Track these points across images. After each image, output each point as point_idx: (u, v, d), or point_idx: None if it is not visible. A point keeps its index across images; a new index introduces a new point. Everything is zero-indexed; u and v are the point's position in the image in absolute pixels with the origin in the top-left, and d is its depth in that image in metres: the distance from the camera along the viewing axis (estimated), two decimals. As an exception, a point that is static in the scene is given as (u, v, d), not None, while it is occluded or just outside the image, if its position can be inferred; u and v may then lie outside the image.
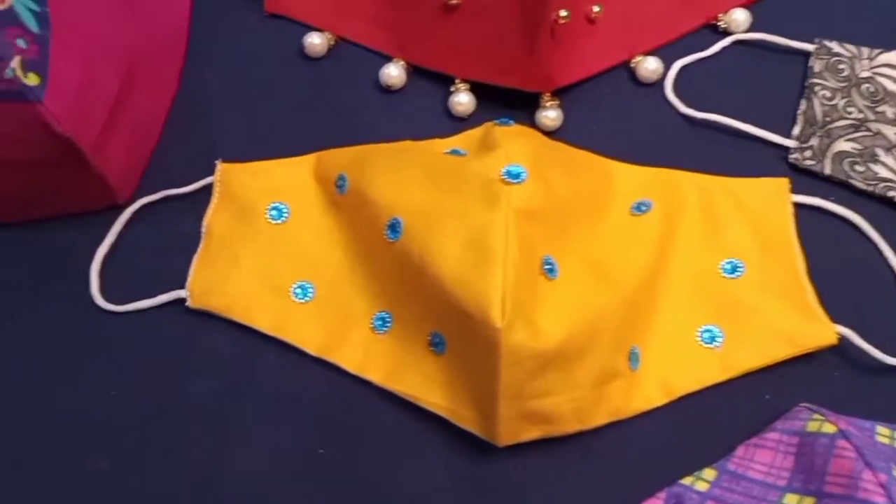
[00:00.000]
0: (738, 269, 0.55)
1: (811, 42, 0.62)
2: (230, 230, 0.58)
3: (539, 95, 0.61)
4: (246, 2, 0.67)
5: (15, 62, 0.48)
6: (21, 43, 0.49)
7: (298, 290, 0.56)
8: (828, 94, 0.60)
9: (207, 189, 0.59)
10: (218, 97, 0.64)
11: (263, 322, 0.55)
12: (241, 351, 0.55)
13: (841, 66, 0.61)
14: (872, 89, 0.60)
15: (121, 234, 0.59)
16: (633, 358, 0.52)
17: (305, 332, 0.55)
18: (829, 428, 0.45)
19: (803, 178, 0.59)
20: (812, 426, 0.46)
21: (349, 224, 0.57)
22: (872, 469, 0.42)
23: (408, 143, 0.59)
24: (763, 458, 0.47)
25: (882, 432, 0.46)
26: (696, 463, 0.49)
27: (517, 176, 0.51)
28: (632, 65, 0.63)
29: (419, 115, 0.63)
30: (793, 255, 0.55)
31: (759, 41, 0.63)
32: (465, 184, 0.51)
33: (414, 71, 0.64)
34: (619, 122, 0.62)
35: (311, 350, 0.55)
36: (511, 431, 0.50)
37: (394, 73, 0.63)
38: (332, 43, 0.65)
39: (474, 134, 0.59)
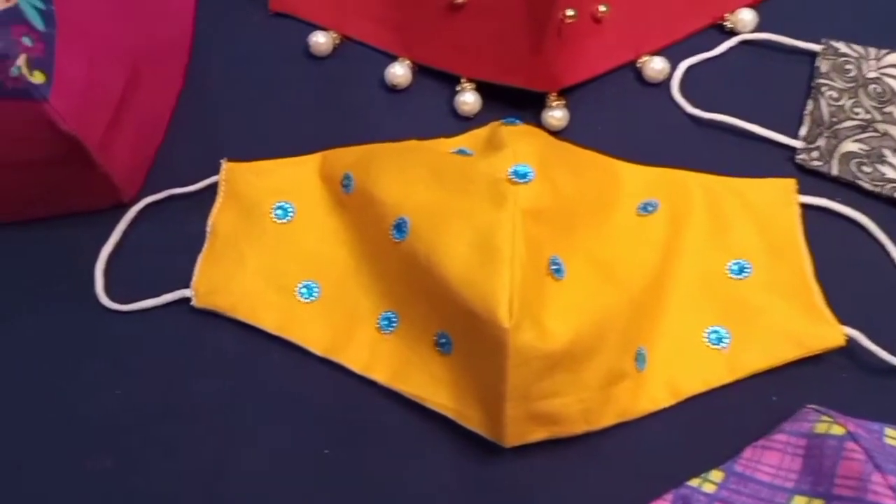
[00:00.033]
0: (745, 270, 0.55)
1: (818, 42, 0.62)
2: (235, 229, 0.58)
3: (545, 95, 0.61)
4: (250, 0, 0.67)
5: (21, 60, 0.48)
6: (27, 41, 0.49)
7: (304, 290, 0.56)
8: (835, 94, 0.60)
9: (212, 188, 0.59)
10: (223, 96, 0.64)
11: (268, 322, 0.55)
12: (245, 351, 0.55)
13: (848, 67, 0.61)
14: (879, 90, 0.60)
15: (125, 233, 0.59)
16: (639, 359, 0.52)
17: (311, 331, 0.55)
18: (837, 430, 0.45)
19: (810, 179, 0.58)
20: (820, 428, 0.46)
21: (355, 224, 0.56)
22: (882, 471, 0.42)
23: (414, 143, 0.59)
24: (771, 460, 0.47)
25: (891, 434, 0.46)
26: (703, 464, 0.49)
27: (524, 176, 0.50)
28: (638, 65, 0.63)
29: (425, 114, 0.62)
30: (800, 257, 0.55)
31: (765, 41, 0.63)
32: (472, 183, 0.51)
33: (419, 70, 0.64)
34: (625, 122, 0.62)
35: (317, 350, 0.54)
36: (518, 432, 0.49)
37: (399, 72, 0.63)
38: (337, 42, 0.65)
39: (480, 133, 0.59)
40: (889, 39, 0.61)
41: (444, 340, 0.52)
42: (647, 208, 0.55)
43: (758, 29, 0.64)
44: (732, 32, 0.64)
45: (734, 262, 0.55)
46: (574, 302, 0.49)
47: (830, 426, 0.46)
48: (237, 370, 0.55)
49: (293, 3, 0.66)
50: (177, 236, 0.58)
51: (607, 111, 0.62)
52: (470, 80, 0.62)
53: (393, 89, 0.63)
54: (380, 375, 0.53)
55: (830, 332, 0.52)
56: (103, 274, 0.57)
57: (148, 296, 0.56)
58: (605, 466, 0.51)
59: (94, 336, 0.56)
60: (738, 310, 0.54)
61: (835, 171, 0.58)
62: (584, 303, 0.50)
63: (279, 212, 0.58)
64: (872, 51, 0.61)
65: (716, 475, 0.48)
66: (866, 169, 0.58)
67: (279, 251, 0.57)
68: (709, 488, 0.48)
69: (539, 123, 0.61)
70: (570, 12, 0.58)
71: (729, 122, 0.60)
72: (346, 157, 0.58)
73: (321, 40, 0.65)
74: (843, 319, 0.53)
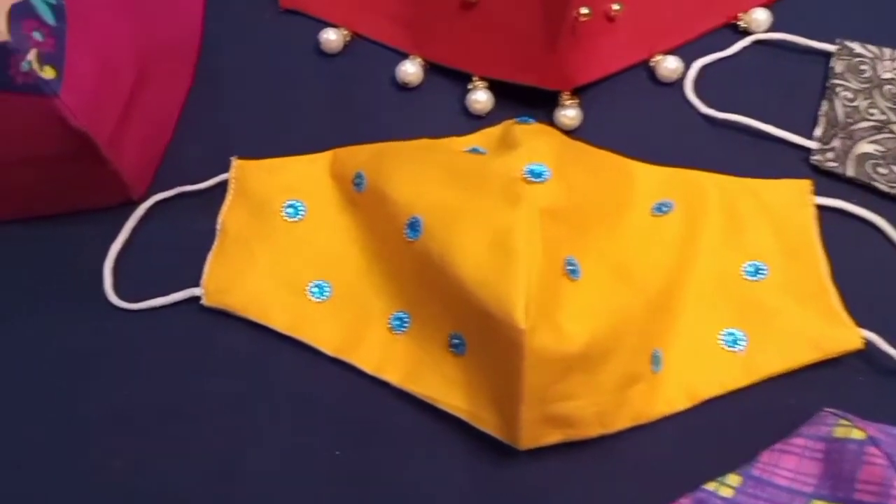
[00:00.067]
0: (761, 272, 0.54)
1: (832, 42, 0.62)
2: (245, 228, 0.57)
3: (558, 94, 0.61)
4: (260, -3, 0.67)
5: (31, 55, 0.47)
6: (37, 35, 0.48)
7: (315, 289, 0.55)
8: (849, 95, 0.60)
9: (222, 186, 0.59)
10: (233, 93, 0.63)
11: (279, 321, 0.55)
12: (256, 350, 0.55)
13: (863, 67, 0.61)
14: (895, 91, 0.59)
15: (135, 231, 0.58)
16: (655, 361, 0.51)
17: (322, 331, 0.54)
18: (857, 434, 0.45)
19: (825, 180, 0.58)
20: (839, 432, 0.46)
21: (367, 222, 0.56)
22: (904, 476, 0.42)
23: (426, 141, 0.59)
24: (788, 464, 0.47)
25: (910, 439, 0.45)
26: (720, 468, 0.49)
27: (540, 175, 0.50)
28: (651, 64, 0.63)
29: (436, 112, 0.62)
30: (816, 258, 0.55)
31: (779, 41, 0.63)
32: (487, 182, 0.51)
33: (431, 68, 0.63)
34: (638, 121, 0.61)
35: (328, 350, 0.54)
36: (533, 435, 0.49)
37: (410, 70, 0.62)
38: (347, 39, 0.65)
39: (494, 132, 0.59)
40: (905, 40, 0.61)
41: (457, 341, 0.51)
42: (661, 209, 0.55)
43: (772, 29, 0.64)
44: (746, 32, 0.64)
45: (750, 263, 0.55)
46: (590, 303, 0.49)
47: (850, 430, 0.45)
48: (247, 370, 0.54)
49: (304, 0, 0.66)
50: (186, 234, 0.58)
51: (620, 110, 0.62)
52: (482, 79, 0.62)
53: (404, 87, 0.63)
54: (392, 376, 0.53)
55: (848, 335, 0.52)
56: (112, 272, 0.57)
57: (157, 294, 0.56)
58: (619, 470, 0.51)
59: (102, 334, 0.55)
60: (754, 312, 0.53)
61: (850, 172, 0.58)
62: (600, 304, 0.49)
63: (290, 210, 0.57)
64: (887, 51, 0.61)
65: (733, 479, 0.48)
66: (882, 170, 0.57)
67: (290, 250, 0.56)
68: (726, 492, 0.47)
69: (552, 122, 0.60)
70: (584, 10, 0.58)
71: (743, 122, 0.60)
72: (357, 156, 0.57)
73: (332, 37, 0.64)
74: (860, 322, 0.52)
